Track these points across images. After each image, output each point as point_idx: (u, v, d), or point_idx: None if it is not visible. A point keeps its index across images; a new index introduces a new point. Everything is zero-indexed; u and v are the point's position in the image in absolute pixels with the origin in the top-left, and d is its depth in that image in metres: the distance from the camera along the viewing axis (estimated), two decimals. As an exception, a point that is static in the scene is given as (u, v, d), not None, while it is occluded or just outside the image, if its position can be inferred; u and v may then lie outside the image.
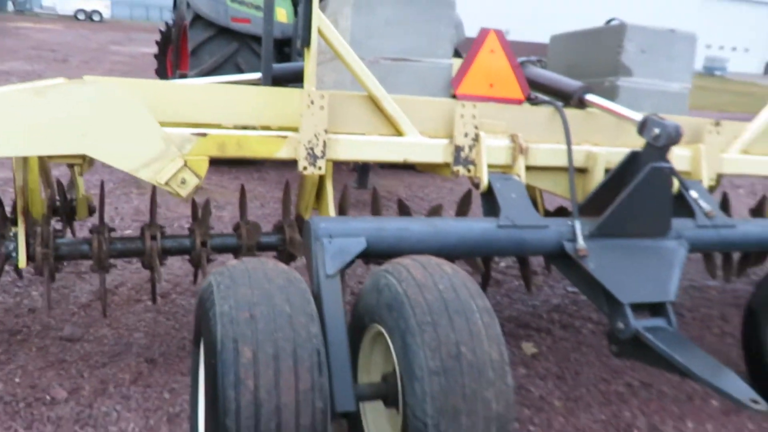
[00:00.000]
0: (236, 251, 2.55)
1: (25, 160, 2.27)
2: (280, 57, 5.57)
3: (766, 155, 2.93)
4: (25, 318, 2.83)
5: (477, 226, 2.20)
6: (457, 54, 6.27)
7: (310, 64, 2.15)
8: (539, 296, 3.71)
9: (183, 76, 6.49)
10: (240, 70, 5.62)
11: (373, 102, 2.25)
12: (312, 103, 2.10)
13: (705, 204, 2.41)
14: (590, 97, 2.62)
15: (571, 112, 2.60)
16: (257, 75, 3.13)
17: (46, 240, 2.21)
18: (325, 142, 2.14)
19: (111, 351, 2.61)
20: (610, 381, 2.80)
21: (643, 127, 2.26)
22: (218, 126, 2.19)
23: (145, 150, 1.94)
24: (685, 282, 4.23)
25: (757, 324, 2.68)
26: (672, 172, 2.24)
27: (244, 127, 2.21)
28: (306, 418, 1.40)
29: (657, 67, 2.93)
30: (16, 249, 2.19)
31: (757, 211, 3.60)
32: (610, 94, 2.92)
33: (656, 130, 2.20)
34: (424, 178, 6.55)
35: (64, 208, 2.84)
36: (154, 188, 2.37)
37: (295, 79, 3.13)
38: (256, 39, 5.65)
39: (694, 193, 2.44)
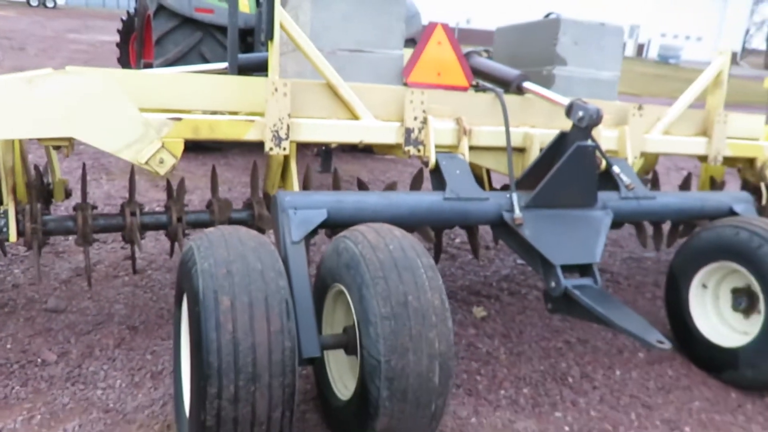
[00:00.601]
0: (209, 226, 2.79)
1: (12, 143, 2.47)
2: (243, 46, 5.75)
3: (684, 135, 3.29)
4: (10, 293, 3.03)
5: (426, 198, 2.49)
6: (415, 43, 6.54)
7: (273, 55, 2.39)
8: (490, 268, 4.04)
9: (148, 65, 6.62)
10: (204, 59, 5.79)
11: (331, 89, 2.51)
12: (276, 90, 2.34)
13: (626, 178, 2.75)
14: (527, 84, 2.92)
15: (510, 98, 2.90)
16: (223, 65, 3.34)
17: (35, 216, 2.42)
18: (288, 126, 2.39)
19: (94, 320, 2.84)
20: (550, 338, 3.13)
21: (569, 111, 2.57)
22: (191, 111, 2.42)
23: (126, 133, 2.16)
24: (625, 254, 4.63)
25: (676, 286, 3.05)
26: (595, 149, 2.56)
27: (214, 113, 2.44)
28: (277, 354, 1.67)
29: (589, 57, 3.25)
30: (6, 225, 2.39)
31: (684, 186, 3.98)
32: (548, 81, 3.23)
33: (580, 113, 2.51)
34: (385, 163, 6.83)
35: (41, 191, 3.03)
36: (132, 168, 2.59)
37: (259, 68, 3.36)
38: (220, 29, 5.82)
39: (616, 169, 2.77)
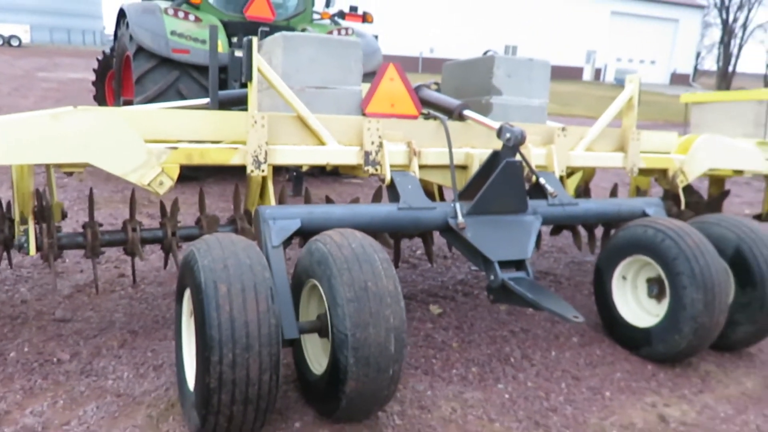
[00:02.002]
0: None
1: (32, 171, 2.89)
2: (223, 86, 6.24)
3: (604, 151, 3.85)
4: (20, 307, 3.41)
5: (383, 209, 2.98)
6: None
7: (252, 93, 2.88)
8: (447, 274, 4.53)
9: (128, 102, 7.07)
10: (182, 96, 6.26)
11: (301, 120, 3.00)
12: (255, 122, 2.83)
13: (550, 188, 3.28)
14: (467, 112, 3.45)
15: (453, 124, 3.43)
16: (205, 100, 3.82)
17: (51, 233, 2.84)
18: (266, 152, 2.87)
19: (98, 327, 3.24)
20: (497, 329, 3.62)
21: (499, 133, 3.10)
22: (183, 141, 2.88)
23: (132, 160, 2.62)
24: (568, 259, 5.17)
25: (601, 279, 3.57)
26: (521, 164, 3.08)
27: (202, 141, 2.91)
28: (265, 329, 2.12)
29: (520, 88, 3.81)
30: (27, 241, 2.80)
31: (612, 195, 4.55)
32: (486, 109, 3.78)
33: (508, 135, 3.05)
34: (352, 186, 7.33)
35: (42, 212, 3.43)
36: (133, 192, 3.03)
37: (236, 103, 3.85)
38: (195, 67, 6.31)
39: (542, 180, 3.30)
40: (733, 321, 3.37)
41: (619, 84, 40.79)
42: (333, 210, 2.86)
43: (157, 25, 6.19)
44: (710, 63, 63.91)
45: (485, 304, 3.99)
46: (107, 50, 8.66)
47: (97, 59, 8.83)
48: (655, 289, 3.36)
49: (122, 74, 7.24)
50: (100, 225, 3.04)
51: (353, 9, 7.78)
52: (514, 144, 3.05)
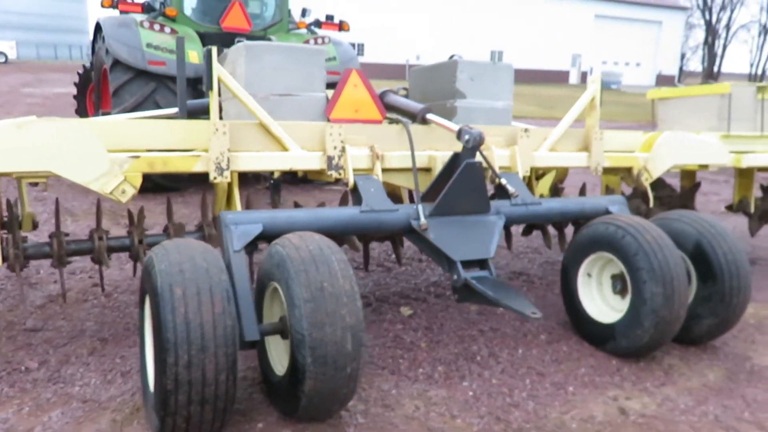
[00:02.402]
0: None
1: (-3, 184, 2.93)
2: (195, 93, 6.29)
3: (568, 151, 3.92)
4: (-10, 318, 3.44)
5: (346, 212, 3.04)
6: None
7: (213, 102, 2.94)
8: (421, 276, 4.59)
9: (106, 114, 7.10)
10: (158, 107, 6.31)
11: (264, 127, 3.06)
12: (217, 130, 2.88)
13: (512, 188, 3.35)
14: (430, 115, 3.51)
15: (416, 128, 3.50)
16: (175, 110, 3.87)
17: (17, 243, 2.88)
18: (228, 159, 2.92)
19: (69, 335, 3.27)
20: (466, 328, 3.67)
21: (459, 135, 3.17)
22: (150, 150, 2.93)
23: (95, 168, 2.66)
24: (542, 259, 5.23)
25: (567, 277, 3.64)
26: (480, 165, 3.15)
27: (168, 151, 2.96)
28: (220, 330, 2.17)
29: (484, 91, 3.88)
30: None
31: (581, 193, 4.63)
32: (451, 112, 3.85)
33: (466, 137, 3.11)
34: (333, 194, 7.38)
35: (12, 222, 3.46)
36: (98, 201, 3.07)
37: (205, 112, 3.90)
38: (172, 79, 6.36)
39: (503, 181, 3.37)
40: (696, 314, 3.44)
41: (605, 87, 41.12)
42: (296, 214, 2.91)
43: (132, 38, 6.25)
44: (695, 64, 64.65)
45: (456, 304, 4.04)
46: (88, 64, 8.71)
47: (78, 73, 8.87)
48: (619, 285, 3.42)
49: (101, 87, 7.29)
50: (67, 234, 3.08)
51: (329, 18, 7.86)
52: (473, 146, 3.11)
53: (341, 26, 7.82)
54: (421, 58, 41.38)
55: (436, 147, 3.51)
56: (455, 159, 3.21)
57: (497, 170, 3.48)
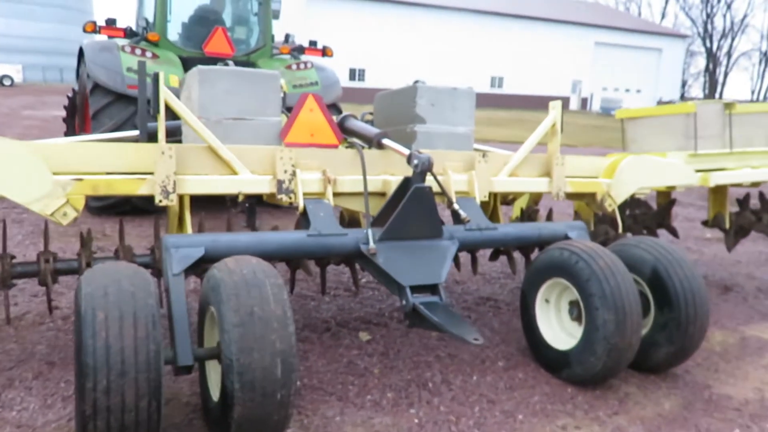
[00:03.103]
0: None
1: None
2: (172, 116, 6.31)
3: (529, 177, 3.91)
4: (-58, 341, 3.42)
5: (292, 236, 3.03)
6: (336, 108, 7.24)
7: (160, 126, 2.95)
8: (387, 301, 4.55)
9: (87, 137, 7.14)
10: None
11: (213, 151, 3.07)
12: (163, 153, 2.89)
13: (464, 213, 3.33)
14: (385, 140, 3.51)
15: (372, 152, 3.50)
16: (136, 132, 3.88)
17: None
18: (175, 182, 2.92)
19: (17, 358, 3.24)
20: (423, 354, 3.63)
21: (409, 160, 3.17)
22: (98, 173, 2.93)
23: (36, 190, 2.65)
24: (514, 284, 5.19)
25: (526, 303, 3.60)
26: (430, 190, 3.14)
27: (115, 174, 2.96)
28: (142, 355, 2.14)
29: (444, 116, 3.89)
30: None
31: (548, 219, 4.61)
32: (411, 137, 3.85)
33: (415, 161, 3.11)
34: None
35: None
36: (46, 223, 3.07)
37: (168, 134, 3.90)
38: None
39: (456, 206, 3.36)
40: (653, 342, 3.40)
41: (605, 113, 41.35)
42: (238, 238, 2.90)
43: (113, 62, 6.31)
44: (697, 90, 64.94)
45: (418, 330, 4.00)
46: (77, 88, 8.78)
47: (68, 96, 8.94)
48: (575, 311, 3.39)
49: (84, 111, 7.34)
50: (13, 257, 3.07)
51: (312, 43, 7.93)
52: (421, 170, 3.11)
53: (324, 52, 7.88)
54: (425, 81, 41.73)
55: (391, 171, 3.51)
56: (405, 183, 3.21)
57: (452, 195, 3.47)
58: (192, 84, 3.36)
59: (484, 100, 44.75)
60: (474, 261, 4.25)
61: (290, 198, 3.18)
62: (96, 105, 6.30)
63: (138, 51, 6.52)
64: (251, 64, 7.39)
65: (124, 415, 2.12)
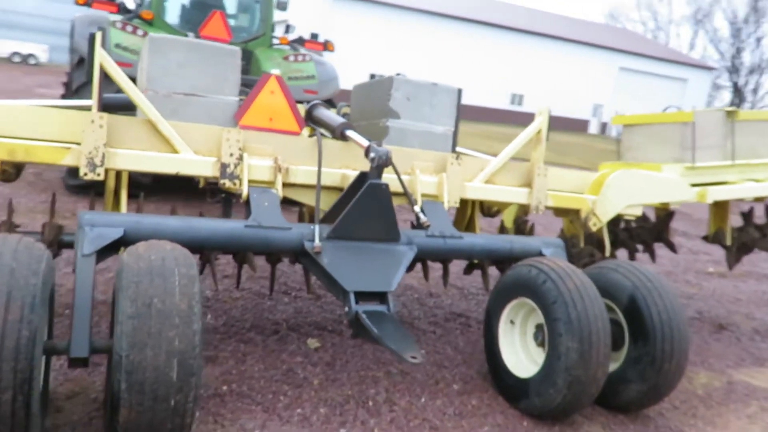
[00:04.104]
0: None
1: None
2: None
3: (507, 185, 3.60)
4: None
5: (227, 225, 2.75)
6: (330, 103, 6.97)
7: (95, 91, 2.68)
8: (350, 308, 4.25)
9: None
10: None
11: (152, 125, 2.80)
12: (93, 122, 2.62)
13: (424, 217, 3.04)
14: (349, 132, 3.22)
15: (334, 144, 3.22)
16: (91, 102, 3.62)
17: None
18: (104, 155, 2.65)
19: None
20: (373, 369, 3.32)
21: (366, 152, 2.88)
22: (22, 139, 2.66)
23: None
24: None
25: (489, 322, 3.29)
26: (387, 187, 2.84)
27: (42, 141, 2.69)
28: (10, 341, 1.86)
29: (421, 112, 3.59)
30: None
31: (530, 233, 4.29)
32: (383, 132, 3.56)
33: (372, 154, 2.82)
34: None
35: None
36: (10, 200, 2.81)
37: (126, 108, 3.64)
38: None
39: (417, 208, 3.06)
40: (624, 377, 3.08)
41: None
42: (165, 222, 2.62)
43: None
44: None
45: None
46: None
47: (66, 73, 8.76)
48: (540, 336, 3.08)
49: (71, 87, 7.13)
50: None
51: (314, 36, 7.69)
52: (378, 164, 2.82)
53: (326, 46, 7.63)
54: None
55: (353, 166, 3.22)
56: (361, 178, 2.92)
57: (417, 197, 3.18)
58: (144, 53, 3.10)
59: (503, 117, 44.29)
60: (445, 272, 3.95)
61: (234, 184, 2.90)
62: (79, 80, 6.08)
63: (129, 28, 6.29)
64: (248, 52, 7.14)
65: (-17, 409, 1.84)
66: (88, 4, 6.52)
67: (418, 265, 3.71)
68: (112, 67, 2.74)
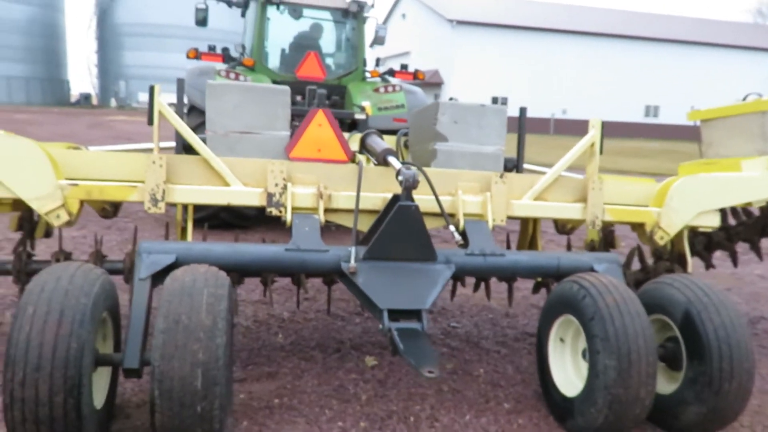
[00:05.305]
0: None
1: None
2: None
3: (561, 201, 3.55)
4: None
5: (269, 249, 2.99)
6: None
7: (155, 136, 3.07)
8: (418, 328, 4.34)
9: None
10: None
11: (205, 162, 3.13)
12: (153, 162, 3.00)
13: (458, 236, 3.10)
14: (390, 158, 3.38)
15: (377, 169, 3.40)
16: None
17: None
18: (164, 190, 3.02)
19: None
20: (424, 387, 3.39)
21: (396, 175, 3.01)
22: (101, 180, 3.10)
23: (38, 189, 2.85)
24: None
25: (540, 340, 3.25)
26: (416, 208, 2.95)
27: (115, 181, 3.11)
28: (61, 351, 2.20)
29: (469, 134, 3.66)
30: None
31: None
32: (432, 156, 3.67)
33: (400, 177, 2.95)
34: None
35: None
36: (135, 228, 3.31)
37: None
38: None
39: (452, 227, 3.13)
40: (683, 399, 2.92)
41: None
42: (212, 248, 2.92)
43: (207, 85, 6.75)
44: None
45: (434, 360, 3.75)
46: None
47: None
48: (587, 354, 3.00)
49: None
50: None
51: (404, 67, 7.95)
52: (406, 187, 2.94)
53: (416, 75, 7.86)
54: (567, 112, 40.31)
55: (393, 190, 3.35)
56: (393, 201, 3.05)
57: (460, 216, 3.27)
58: (206, 99, 3.48)
59: (636, 131, 42.02)
60: (487, 286, 3.94)
61: (280, 212, 3.15)
62: (191, 125, 6.73)
63: (232, 75, 6.93)
64: (342, 87, 7.56)
65: (38, 409, 2.18)
66: (197, 57, 7.27)
67: (502, 286, 3.76)
68: (170, 113, 3.12)
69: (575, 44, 41.42)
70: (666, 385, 3.05)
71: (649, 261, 4.14)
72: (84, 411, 2.28)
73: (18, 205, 3.11)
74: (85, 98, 56.64)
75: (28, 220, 3.52)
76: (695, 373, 2.86)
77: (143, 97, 50.30)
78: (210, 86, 3.38)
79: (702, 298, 2.92)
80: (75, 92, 61.20)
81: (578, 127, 36.52)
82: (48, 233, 3.79)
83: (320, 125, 3.47)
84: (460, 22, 40.51)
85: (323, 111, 3.48)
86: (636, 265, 4.22)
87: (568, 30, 41.61)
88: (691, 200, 3.57)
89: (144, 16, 52.77)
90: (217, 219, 7.02)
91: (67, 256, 3.37)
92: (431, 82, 40.17)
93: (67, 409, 2.22)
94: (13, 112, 32.40)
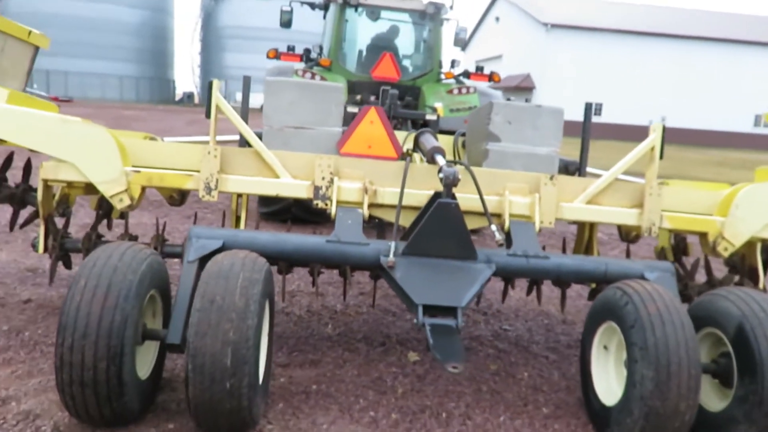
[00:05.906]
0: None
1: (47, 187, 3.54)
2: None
3: (616, 206, 3.44)
4: None
5: (311, 240, 3.09)
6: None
7: (212, 129, 3.25)
8: (469, 328, 4.32)
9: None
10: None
11: (257, 154, 3.28)
12: (209, 153, 3.18)
13: (499, 236, 3.07)
14: (437, 156, 3.40)
15: (424, 167, 3.43)
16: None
17: (55, 236, 3.48)
18: (218, 180, 3.19)
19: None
20: (463, 384, 3.38)
21: (438, 173, 3.03)
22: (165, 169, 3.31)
23: (106, 173, 3.08)
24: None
25: (584, 347, 3.18)
26: (456, 206, 2.95)
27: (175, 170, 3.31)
28: (105, 322, 2.39)
29: (523, 135, 3.62)
30: (37, 240, 3.46)
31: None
32: (484, 156, 3.66)
33: (441, 175, 2.97)
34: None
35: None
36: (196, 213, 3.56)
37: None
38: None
39: (493, 227, 3.10)
40: (732, 417, 2.77)
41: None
42: (257, 236, 3.05)
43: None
44: None
45: (474, 361, 3.73)
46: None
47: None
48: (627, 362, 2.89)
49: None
50: (101, 236, 3.62)
51: (479, 69, 7.90)
52: (446, 184, 2.95)
53: (491, 77, 7.79)
54: (667, 119, 38.38)
55: (439, 188, 3.37)
56: (434, 198, 3.07)
57: (505, 216, 3.25)
58: (264, 95, 3.64)
59: (744, 141, 39.45)
60: (538, 290, 3.87)
61: (326, 204, 3.25)
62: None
63: (308, 75, 7.14)
64: (416, 89, 7.61)
65: (84, 373, 2.38)
66: (277, 57, 7.54)
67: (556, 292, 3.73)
68: (226, 107, 3.28)
69: (675, 48, 39.41)
70: (717, 402, 2.90)
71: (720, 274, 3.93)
72: (125, 378, 2.46)
73: (89, 188, 3.36)
74: (188, 97, 59.80)
75: (104, 203, 3.81)
76: (746, 391, 2.70)
77: (239, 96, 52.46)
78: (267, 82, 3.53)
79: (758, 313, 2.75)
80: (179, 91, 64.81)
81: (678, 135, 34.83)
82: (123, 215, 4.05)
83: (372, 122, 3.54)
84: (555, 26, 39.53)
85: (375, 109, 3.55)
86: (703, 277, 4.02)
87: (668, 34, 39.65)
88: (760, 209, 3.36)
89: (245, 19, 55.05)
90: (289, 213, 7.26)
91: (132, 239, 3.61)
92: (522, 87, 39.45)
93: (110, 375, 2.40)
94: (122, 109, 34.75)
